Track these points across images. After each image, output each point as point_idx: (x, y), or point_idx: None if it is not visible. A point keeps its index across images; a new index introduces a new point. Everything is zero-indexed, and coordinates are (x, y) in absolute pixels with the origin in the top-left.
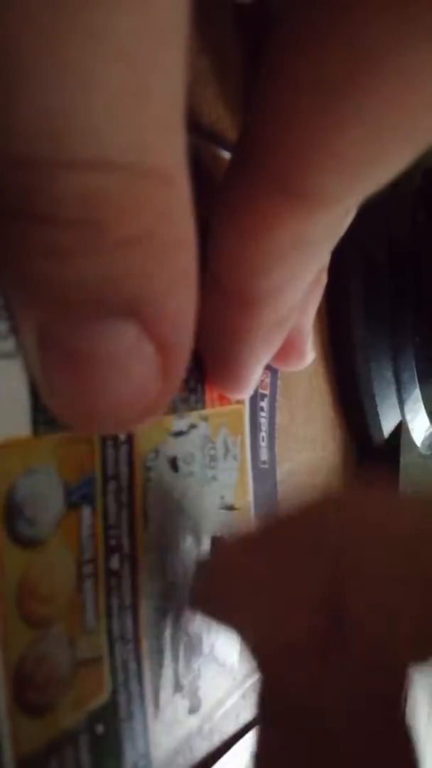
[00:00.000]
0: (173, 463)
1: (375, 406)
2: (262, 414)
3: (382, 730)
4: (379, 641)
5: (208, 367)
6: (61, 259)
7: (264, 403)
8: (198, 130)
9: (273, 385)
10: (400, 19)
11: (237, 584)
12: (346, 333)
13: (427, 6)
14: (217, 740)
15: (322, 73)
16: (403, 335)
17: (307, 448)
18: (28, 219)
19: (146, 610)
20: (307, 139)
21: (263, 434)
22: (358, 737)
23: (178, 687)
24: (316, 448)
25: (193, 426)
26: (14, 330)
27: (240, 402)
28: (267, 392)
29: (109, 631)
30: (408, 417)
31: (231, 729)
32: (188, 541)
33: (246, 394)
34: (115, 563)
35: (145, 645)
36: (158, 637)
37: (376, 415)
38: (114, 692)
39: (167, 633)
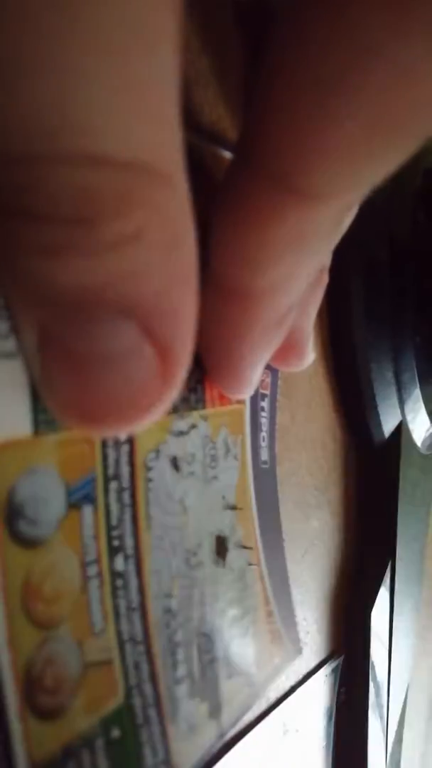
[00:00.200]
0: (174, 463)
1: (375, 406)
2: (263, 414)
3: None
4: None
5: (208, 366)
6: (56, 258)
7: (265, 403)
8: (199, 130)
9: (274, 385)
10: (396, 15)
11: None
12: (346, 333)
13: (422, 1)
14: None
15: (318, 69)
16: (403, 335)
17: (307, 448)
18: (22, 217)
19: (155, 610)
20: (304, 135)
21: (264, 434)
22: None
23: (194, 690)
24: (316, 448)
25: (193, 426)
26: (15, 330)
27: (240, 402)
28: (268, 392)
29: (119, 633)
30: (408, 417)
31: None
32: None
33: (247, 394)
34: (119, 564)
35: (157, 646)
36: (170, 638)
37: (377, 415)
38: (128, 695)
39: (179, 634)
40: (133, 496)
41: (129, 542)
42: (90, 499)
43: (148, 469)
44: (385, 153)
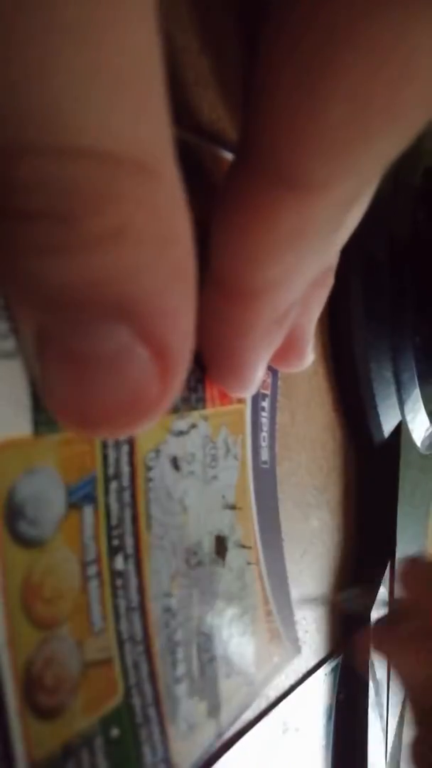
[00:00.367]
0: (174, 463)
1: (375, 406)
2: (264, 414)
3: None
4: None
5: (210, 365)
6: (45, 256)
7: (265, 403)
8: (199, 130)
9: (274, 385)
10: None
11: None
12: (346, 333)
13: None
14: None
15: (304, 55)
16: (403, 335)
17: (306, 448)
18: (9, 215)
19: (155, 610)
20: (296, 126)
21: (264, 434)
22: None
23: (194, 689)
24: (315, 448)
25: (193, 425)
26: (14, 330)
27: (241, 401)
28: (268, 392)
29: (118, 632)
30: (408, 417)
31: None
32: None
33: (249, 393)
34: (119, 563)
35: (156, 646)
36: (169, 637)
37: (376, 415)
38: (127, 695)
39: (179, 633)
40: (133, 495)
41: (129, 542)
42: (90, 499)
43: (149, 468)
44: (379, 137)
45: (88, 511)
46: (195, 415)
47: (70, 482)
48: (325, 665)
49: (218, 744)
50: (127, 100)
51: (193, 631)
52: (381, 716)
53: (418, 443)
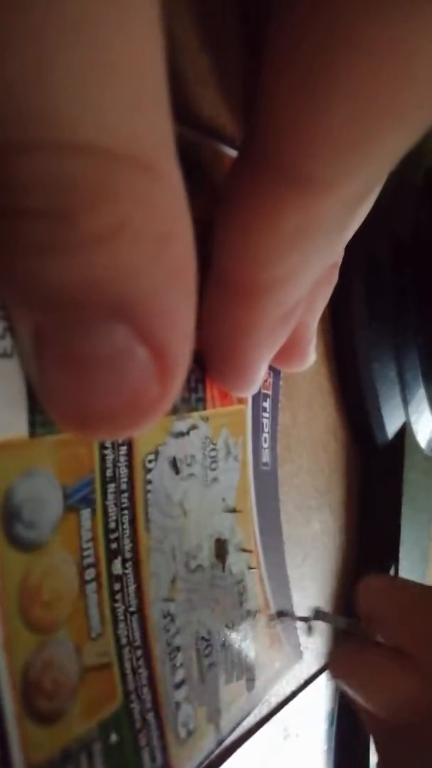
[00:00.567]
0: (174, 465)
1: (378, 407)
2: (265, 415)
3: None
4: None
5: (212, 364)
6: (42, 256)
7: (267, 404)
8: (199, 127)
9: (276, 386)
10: None
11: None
12: (348, 333)
13: None
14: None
15: (305, 58)
16: (406, 335)
17: (308, 450)
18: (6, 212)
19: (154, 614)
20: (301, 125)
21: (266, 435)
22: None
23: (193, 694)
24: (317, 450)
25: (193, 427)
26: (11, 330)
27: (242, 402)
28: (270, 393)
29: (117, 637)
30: (412, 418)
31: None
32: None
33: (251, 392)
34: (117, 567)
35: (156, 650)
36: (169, 642)
37: (380, 416)
38: (126, 700)
39: (178, 638)
40: (131, 498)
41: (127, 545)
42: (88, 501)
43: (147, 470)
44: (382, 138)
45: (85, 513)
46: (195, 416)
47: (68, 484)
48: (326, 671)
49: (219, 750)
50: (124, 96)
51: (193, 636)
52: None
53: (423, 445)
